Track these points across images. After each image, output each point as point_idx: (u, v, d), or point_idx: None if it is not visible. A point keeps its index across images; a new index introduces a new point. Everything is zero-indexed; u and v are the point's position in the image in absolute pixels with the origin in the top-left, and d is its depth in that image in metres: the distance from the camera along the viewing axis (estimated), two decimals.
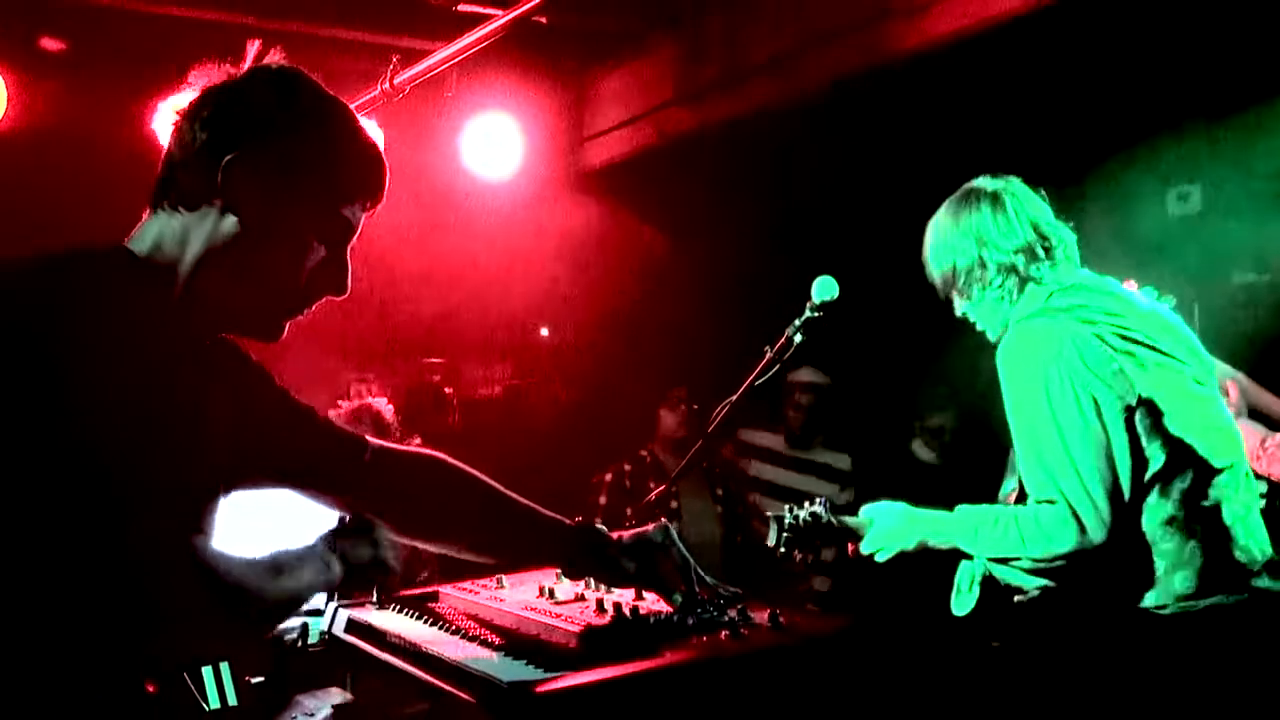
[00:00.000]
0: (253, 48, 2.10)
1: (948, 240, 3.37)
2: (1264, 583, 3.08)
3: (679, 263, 7.75)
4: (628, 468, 6.67)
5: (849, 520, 3.39)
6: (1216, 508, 3.08)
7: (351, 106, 2.14)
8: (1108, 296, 3.23)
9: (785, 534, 3.34)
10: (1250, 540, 3.10)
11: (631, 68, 7.39)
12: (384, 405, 6.19)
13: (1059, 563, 3.02)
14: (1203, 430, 3.11)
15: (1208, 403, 3.18)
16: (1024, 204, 3.31)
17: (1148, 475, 3.06)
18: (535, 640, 2.51)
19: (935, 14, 5.48)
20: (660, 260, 7.83)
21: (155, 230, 1.98)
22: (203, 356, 2.05)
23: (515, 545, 2.70)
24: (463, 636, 2.61)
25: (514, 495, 2.65)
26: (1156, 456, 3.06)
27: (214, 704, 3.33)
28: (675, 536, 2.57)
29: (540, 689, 2.10)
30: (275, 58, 2.10)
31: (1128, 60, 5.79)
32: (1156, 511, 3.07)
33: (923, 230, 3.55)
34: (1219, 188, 6.30)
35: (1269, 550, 3.13)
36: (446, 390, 9.91)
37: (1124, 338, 3.09)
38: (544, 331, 11.33)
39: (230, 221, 1.94)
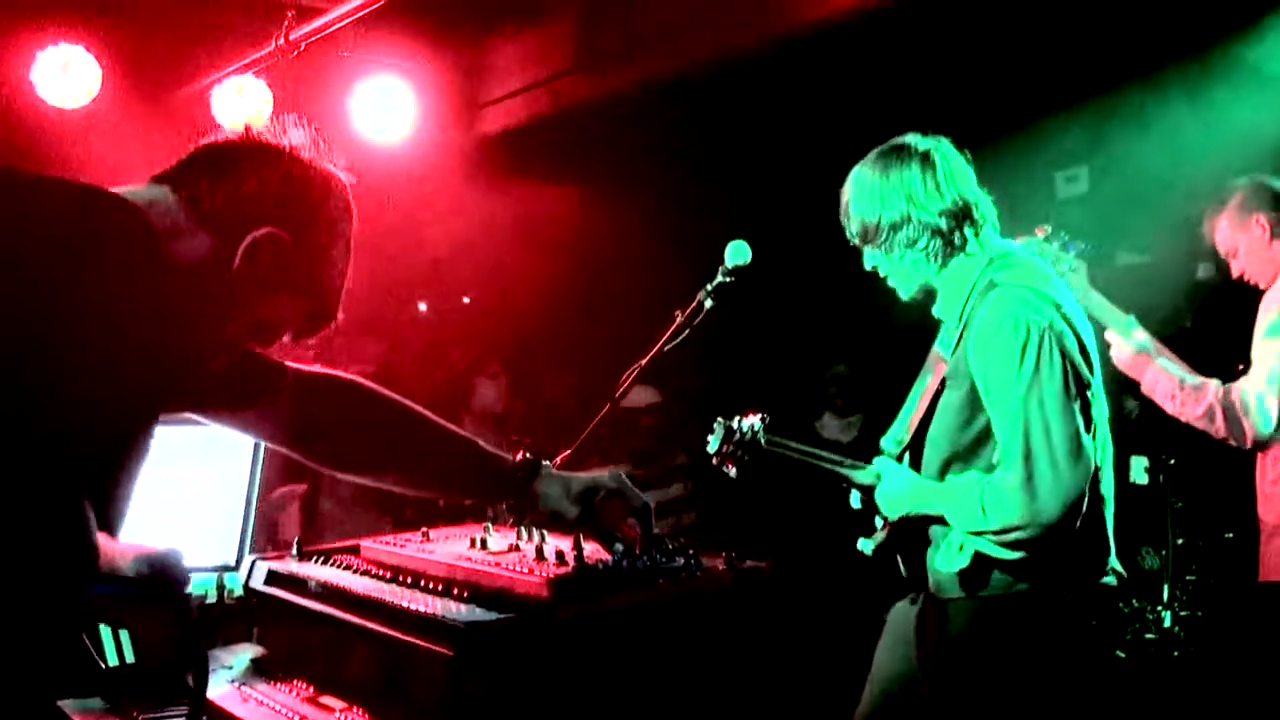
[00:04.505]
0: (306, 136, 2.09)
1: (875, 193, 3.30)
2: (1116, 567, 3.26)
3: (574, 234, 7.68)
4: None
5: (857, 474, 3.37)
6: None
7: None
8: (1048, 280, 3.26)
9: (726, 444, 3.32)
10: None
11: (529, 35, 7.28)
12: None
13: (1016, 536, 3.06)
14: (1105, 434, 3.26)
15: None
16: (953, 167, 3.29)
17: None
18: (501, 590, 2.44)
19: None
20: (555, 232, 7.75)
21: (159, 195, 1.90)
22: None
23: (456, 478, 2.53)
24: (406, 586, 2.55)
25: (451, 426, 2.49)
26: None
27: (112, 661, 3.20)
28: (628, 482, 2.49)
29: (514, 626, 2.06)
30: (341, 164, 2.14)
31: (1018, 41, 5.91)
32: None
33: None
34: (1106, 170, 6.45)
35: None
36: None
37: (1079, 337, 3.16)
38: (422, 307, 11.18)
39: (223, 260, 1.90)
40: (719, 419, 3.36)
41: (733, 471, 3.36)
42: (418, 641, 2.22)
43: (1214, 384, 4.27)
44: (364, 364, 10.53)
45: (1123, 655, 5.58)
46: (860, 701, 3.55)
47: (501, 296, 8.93)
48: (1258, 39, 5.64)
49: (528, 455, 2.49)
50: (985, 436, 3.21)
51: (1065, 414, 3.04)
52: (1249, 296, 4.47)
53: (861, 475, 3.37)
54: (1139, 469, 5.99)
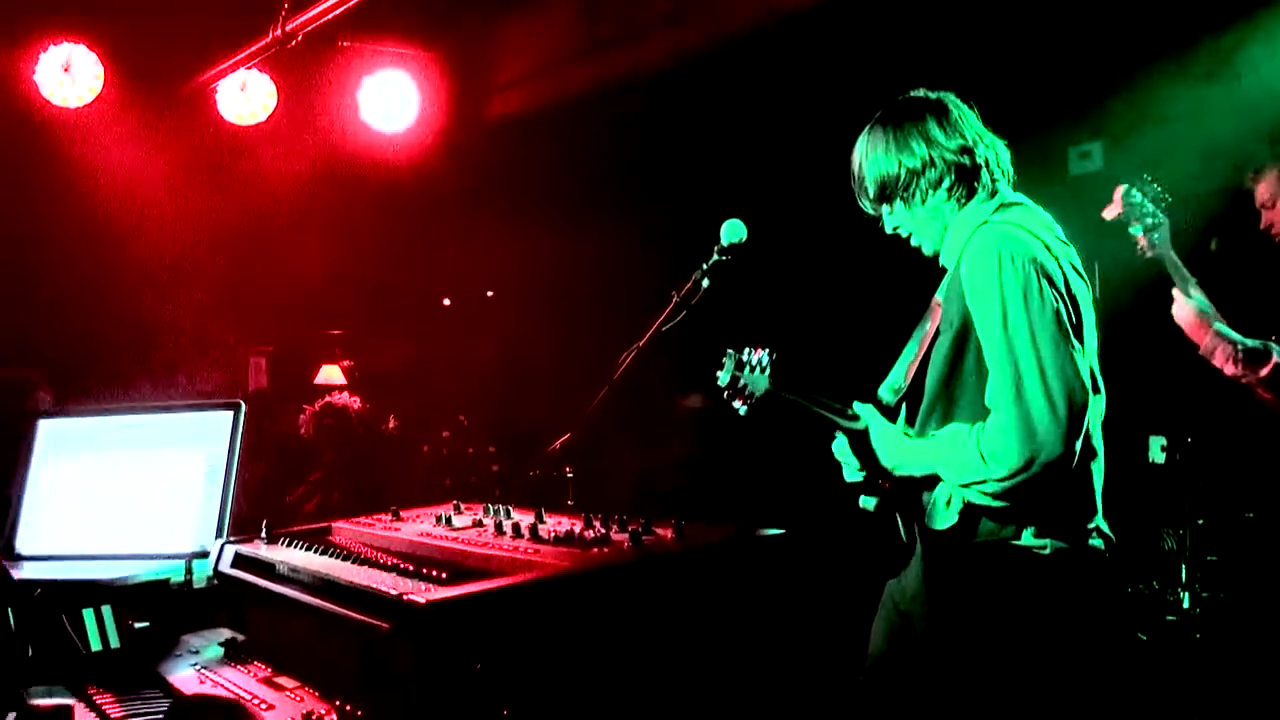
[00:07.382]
0: None
1: (891, 144, 3.20)
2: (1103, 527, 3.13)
3: (583, 220, 7.62)
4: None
5: (850, 422, 3.26)
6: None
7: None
8: (1048, 227, 3.17)
9: (736, 376, 3.18)
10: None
11: (531, 23, 7.22)
12: (348, 399, 6.24)
13: (1020, 478, 2.96)
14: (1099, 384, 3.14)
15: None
16: (965, 113, 3.21)
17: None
18: (456, 564, 2.40)
19: None
20: (565, 217, 7.69)
21: None
22: None
23: None
24: (362, 564, 2.51)
25: None
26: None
27: (95, 646, 3.19)
28: None
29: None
30: None
31: (1031, 15, 5.81)
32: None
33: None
34: (1120, 146, 6.32)
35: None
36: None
37: (1065, 277, 3.07)
38: (446, 301, 11.17)
39: None
40: (729, 350, 3.21)
41: (743, 409, 3.22)
42: (361, 617, 2.18)
43: (1275, 346, 4.25)
44: (394, 364, 10.55)
45: (1144, 637, 5.46)
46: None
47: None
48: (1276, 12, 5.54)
49: None
50: (970, 383, 3.11)
51: (1057, 345, 2.93)
52: (1258, 269, 4.41)
53: (854, 424, 3.26)
54: (1156, 448, 5.86)
